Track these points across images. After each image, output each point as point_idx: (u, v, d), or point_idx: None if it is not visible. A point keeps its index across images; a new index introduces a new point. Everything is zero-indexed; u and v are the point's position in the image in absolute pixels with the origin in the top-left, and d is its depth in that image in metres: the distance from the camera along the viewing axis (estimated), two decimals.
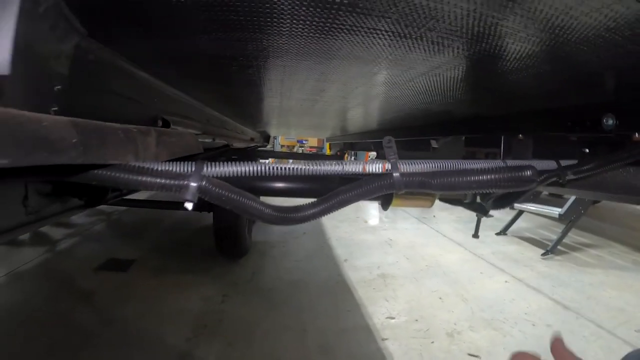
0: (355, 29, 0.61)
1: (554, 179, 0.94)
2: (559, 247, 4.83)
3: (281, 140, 14.10)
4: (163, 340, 2.44)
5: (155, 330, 2.55)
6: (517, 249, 4.98)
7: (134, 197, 3.14)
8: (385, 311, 2.99)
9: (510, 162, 0.77)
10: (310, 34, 0.65)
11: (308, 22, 0.58)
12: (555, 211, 4.83)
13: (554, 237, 4.90)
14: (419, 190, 0.67)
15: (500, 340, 2.65)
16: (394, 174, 0.62)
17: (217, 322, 2.70)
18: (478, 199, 1.51)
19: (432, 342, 2.59)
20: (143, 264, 3.66)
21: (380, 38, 0.66)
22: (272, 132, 4.95)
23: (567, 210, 4.74)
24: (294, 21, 0.59)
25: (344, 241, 4.93)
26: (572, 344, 2.57)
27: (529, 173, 0.70)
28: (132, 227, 4.93)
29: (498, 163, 0.75)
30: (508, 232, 5.64)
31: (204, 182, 0.54)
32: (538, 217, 5.93)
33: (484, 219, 6.03)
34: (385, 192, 0.63)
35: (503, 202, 0.94)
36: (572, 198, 4.75)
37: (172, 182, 0.53)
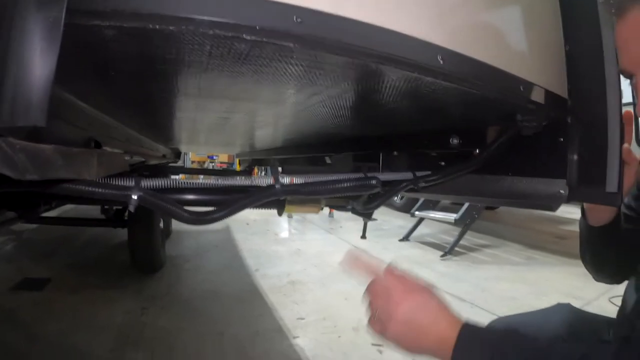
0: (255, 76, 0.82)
1: (410, 186, 1.24)
2: (457, 248, 5.23)
3: (192, 156, 13.76)
4: (88, 353, 2.50)
5: (79, 344, 2.59)
6: (419, 252, 5.34)
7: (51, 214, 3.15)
8: (295, 313, 3.21)
9: (370, 175, 1.05)
10: (215, 81, 0.87)
11: (214, 73, 0.77)
12: (451, 217, 5.28)
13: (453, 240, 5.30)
14: (296, 197, 0.94)
15: None
16: (276, 186, 0.87)
17: (139, 333, 2.79)
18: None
19: (339, 337, 2.83)
20: (59, 282, 3.61)
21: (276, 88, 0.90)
22: (183, 149, 5.03)
23: (462, 215, 5.21)
24: (200, 73, 0.79)
25: (254, 252, 5.08)
26: None
27: (373, 182, 0.99)
28: (45, 245, 4.75)
29: (358, 175, 1.03)
30: (410, 238, 5.98)
31: (142, 193, 0.75)
32: (440, 223, 6.40)
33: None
34: (271, 198, 0.88)
35: (371, 204, 1.22)
36: (467, 204, 5.17)
37: (119, 192, 0.74)
